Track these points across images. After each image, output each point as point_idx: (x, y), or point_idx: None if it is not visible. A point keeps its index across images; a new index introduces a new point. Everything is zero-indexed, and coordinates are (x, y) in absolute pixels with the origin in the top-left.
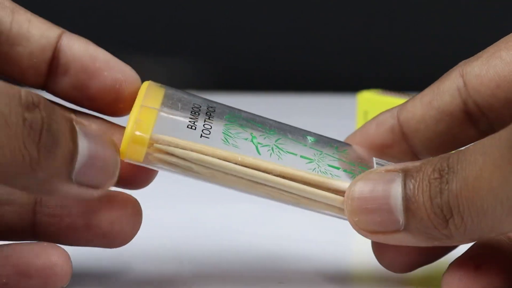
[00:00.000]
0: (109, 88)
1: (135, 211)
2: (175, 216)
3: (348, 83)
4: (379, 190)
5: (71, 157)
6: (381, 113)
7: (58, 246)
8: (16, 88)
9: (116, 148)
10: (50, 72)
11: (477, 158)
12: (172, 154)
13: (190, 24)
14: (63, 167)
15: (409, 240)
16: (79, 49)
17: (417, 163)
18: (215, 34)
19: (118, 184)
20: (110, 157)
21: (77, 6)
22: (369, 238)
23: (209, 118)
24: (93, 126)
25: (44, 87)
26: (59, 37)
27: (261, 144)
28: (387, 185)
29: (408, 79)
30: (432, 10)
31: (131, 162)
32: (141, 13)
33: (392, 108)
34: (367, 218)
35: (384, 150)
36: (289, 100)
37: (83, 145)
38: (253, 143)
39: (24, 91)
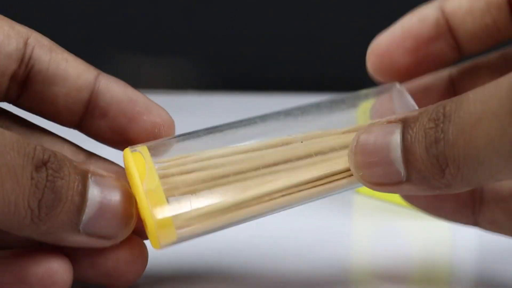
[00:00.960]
0: (148, 133)
1: (141, 253)
2: None
3: (348, 83)
4: (380, 143)
5: (78, 210)
6: (419, 9)
7: (60, 253)
8: (31, 145)
9: (132, 199)
10: (86, 113)
11: (476, 107)
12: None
13: (190, 24)
14: (67, 220)
15: (413, 190)
16: (118, 92)
17: (415, 113)
18: (215, 34)
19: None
20: (123, 209)
21: (78, 7)
22: (376, 190)
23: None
24: (113, 176)
25: (78, 127)
26: (96, 78)
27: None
28: (388, 137)
29: None
30: None
31: (170, 245)
32: (141, 13)
33: (431, 2)
34: (371, 171)
35: (429, 45)
36: (289, 100)
37: (94, 197)
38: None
39: (38, 148)
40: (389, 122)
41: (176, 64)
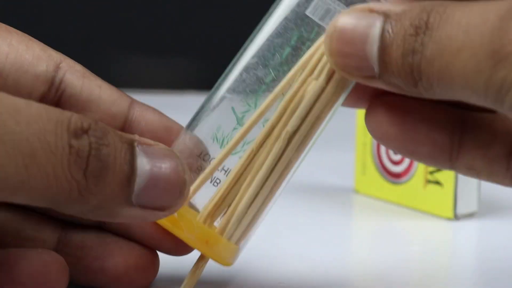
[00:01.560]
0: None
1: (151, 260)
2: None
3: None
4: (358, 34)
5: (128, 180)
6: None
7: (54, 253)
8: (66, 113)
9: (183, 166)
10: None
11: (458, 34)
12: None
13: (191, 24)
14: (118, 191)
15: (385, 87)
16: (153, 120)
17: (399, 8)
18: (215, 35)
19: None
20: (175, 176)
21: (79, 7)
22: (349, 78)
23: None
24: (161, 145)
25: None
26: (130, 106)
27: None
28: (367, 29)
29: None
30: None
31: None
32: (142, 14)
33: None
34: (344, 61)
35: None
36: None
37: (144, 167)
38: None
39: (74, 116)
40: (371, 11)
41: (176, 64)
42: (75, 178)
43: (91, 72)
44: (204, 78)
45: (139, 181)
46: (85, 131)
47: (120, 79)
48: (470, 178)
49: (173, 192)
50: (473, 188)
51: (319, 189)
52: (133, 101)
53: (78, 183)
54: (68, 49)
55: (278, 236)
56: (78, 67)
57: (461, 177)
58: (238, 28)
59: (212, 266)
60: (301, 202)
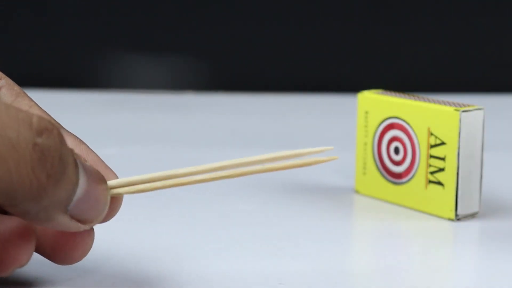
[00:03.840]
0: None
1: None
2: (175, 216)
3: (348, 83)
4: None
5: (73, 190)
6: None
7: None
8: (28, 113)
9: (107, 186)
10: None
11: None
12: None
13: (190, 23)
14: (65, 197)
15: None
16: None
17: None
18: (215, 34)
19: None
20: (102, 195)
21: (77, 6)
22: None
23: None
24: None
25: None
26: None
27: None
28: None
29: (409, 79)
30: (433, 9)
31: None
32: (141, 12)
33: None
34: None
35: None
36: (289, 100)
37: (82, 180)
38: None
39: (36, 116)
40: None
41: (176, 64)
42: (37, 176)
43: (27, 94)
44: (204, 78)
45: (78, 192)
46: (50, 131)
47: (117, 79)
48: (471, 178)
49: (98, 209)
50: (474, 189)
51: (319, 189)
52: (80, 141)
53: (39, 181)
54: (66, 49)
55: (277, 237)
56: (15, 86)
57: (463, 177)
58: (237, 27)
59: (211, 266)
60: (301, 202)
